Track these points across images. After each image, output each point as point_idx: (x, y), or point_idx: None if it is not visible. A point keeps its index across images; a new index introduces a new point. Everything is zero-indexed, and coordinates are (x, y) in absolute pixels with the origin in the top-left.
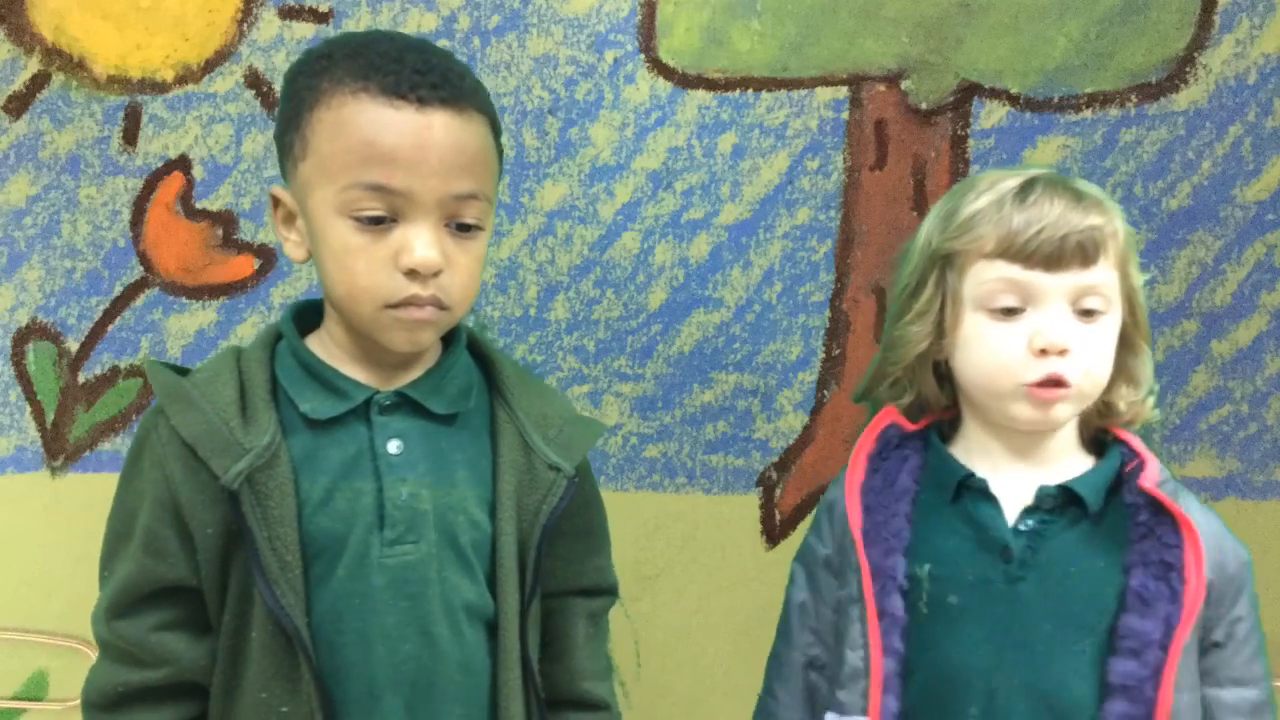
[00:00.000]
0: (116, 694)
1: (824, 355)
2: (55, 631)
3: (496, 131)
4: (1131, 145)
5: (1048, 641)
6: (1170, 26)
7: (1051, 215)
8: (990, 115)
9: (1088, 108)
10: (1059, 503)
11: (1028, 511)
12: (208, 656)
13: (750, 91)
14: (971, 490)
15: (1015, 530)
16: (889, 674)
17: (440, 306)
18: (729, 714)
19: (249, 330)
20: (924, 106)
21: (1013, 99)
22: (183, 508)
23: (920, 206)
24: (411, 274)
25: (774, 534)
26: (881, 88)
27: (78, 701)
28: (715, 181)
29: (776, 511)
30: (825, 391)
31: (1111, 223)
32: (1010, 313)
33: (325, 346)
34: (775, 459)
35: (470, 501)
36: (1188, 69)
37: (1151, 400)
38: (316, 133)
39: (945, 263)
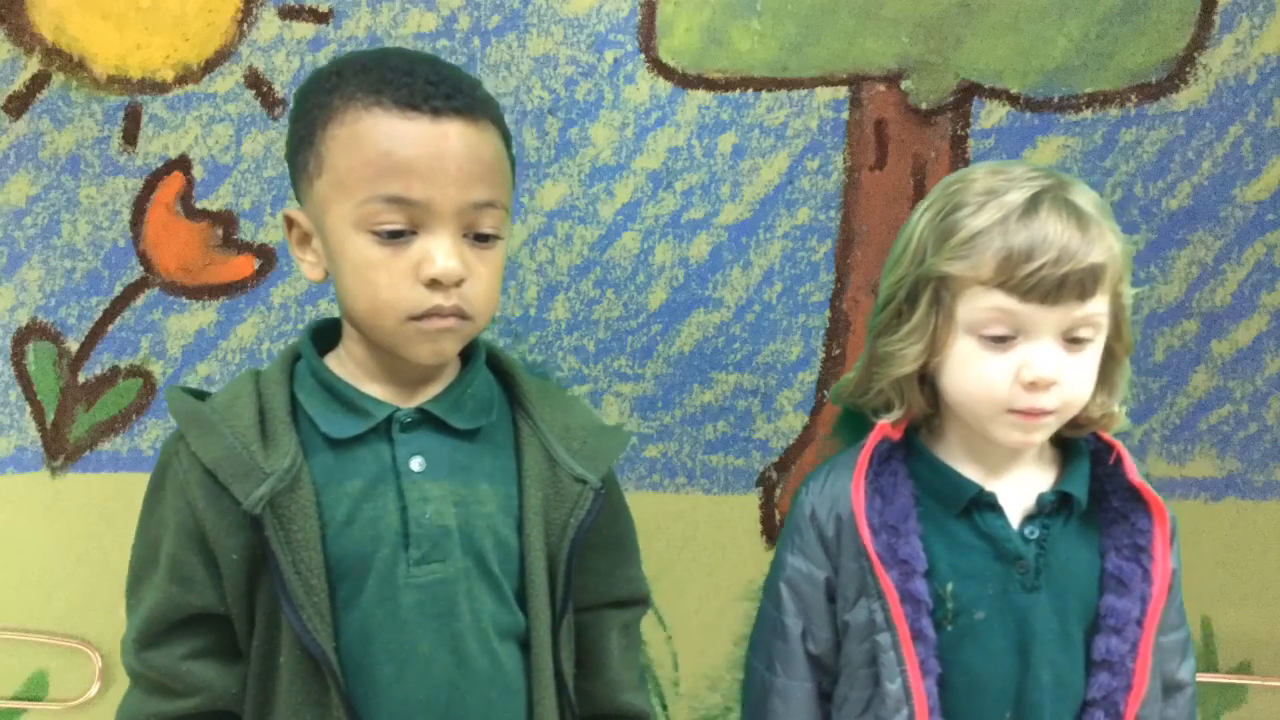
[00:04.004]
0: None
1: (824, 355)
2: (55, 631)
3: (509, 143)
4: (1131, 145)
5: (1059, 637)
6: (1170, 26)
7: (1054, 249)
8: (990, 115)
9: (1088, 108)
10: (1055, 506)
11: (1030, 519)
12: (239, 683)
13: (750, 91)
14: (980, 504)
15: (1023, 538)
16: (931, 696)
17: (462, 317)
18: (729, 714)
19: (249, 330)
20: (924, 106)
21: (1013, 99)
22: (207, 534)
23: None
24: (433, 284)
25: (774, 534)
26: (881, 88)
27: (78, 701)
28: (715, 181)
29: (776, 511)
30: (825, 391)
31: (1112, 254)
32: (1000, 340)
33: (344, 365)
34: (775, 459)
35: (496, 518)
36: (1188, 69)
37: (1123, 410)
38: (331, 149)
39: (940, 283)
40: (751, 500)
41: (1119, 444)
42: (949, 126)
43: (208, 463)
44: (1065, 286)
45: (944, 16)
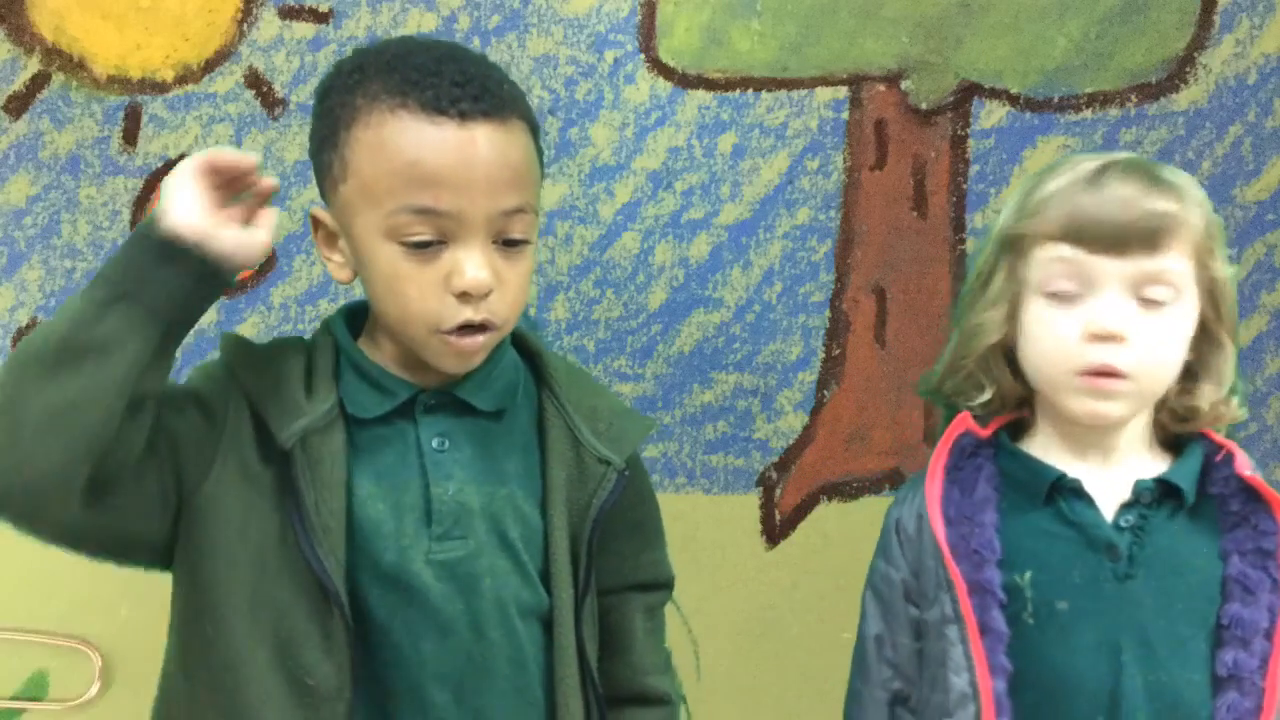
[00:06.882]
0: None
1: (824, 355)
2: (55, 631)
3: (536, 135)
4: (1131, 145)
5: (1164, 638)
6: (1170, 26)
7: (1119, 198)
8: (990, 115)
9: (1088, 108)
10: (1155, 496)
11: (1126, 507)
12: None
13: (750, 91)
14: (1064, 491)
15: (1117, 527)
16: (999, 695)
17: (491, 329)
18: (729, 714)
19: (249, 330)
20: (924, 106)
21: (1013, 99)
22: (241, 442)
23: (920, 206)
24: (463, 296)
25: (774, 534)
26: (881, 88)
27: (78, 701)
28: (715, 181)
29: (776, 511)
30: (825, 391)
31: (1185, 210)
32: (1068, 299)
33: (374, 347)
34: (775, 459)
35: (519, 497)
36: (1188, 69)
37: (1236, 400)
38: (356, 153)
39: (1014, 247)
40: (751, 500)
41: (1229, 441)
42: (949, 126)
43: (252, 395)
44: (1131, 235)
45: (944, 16)
